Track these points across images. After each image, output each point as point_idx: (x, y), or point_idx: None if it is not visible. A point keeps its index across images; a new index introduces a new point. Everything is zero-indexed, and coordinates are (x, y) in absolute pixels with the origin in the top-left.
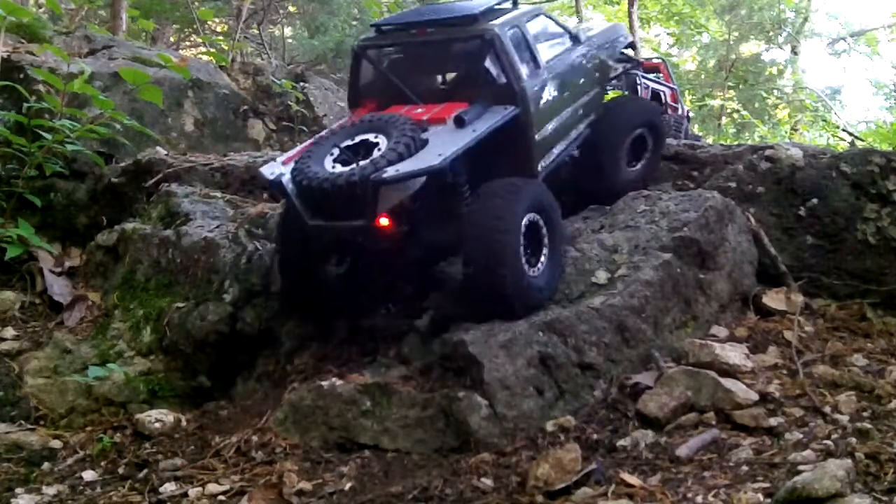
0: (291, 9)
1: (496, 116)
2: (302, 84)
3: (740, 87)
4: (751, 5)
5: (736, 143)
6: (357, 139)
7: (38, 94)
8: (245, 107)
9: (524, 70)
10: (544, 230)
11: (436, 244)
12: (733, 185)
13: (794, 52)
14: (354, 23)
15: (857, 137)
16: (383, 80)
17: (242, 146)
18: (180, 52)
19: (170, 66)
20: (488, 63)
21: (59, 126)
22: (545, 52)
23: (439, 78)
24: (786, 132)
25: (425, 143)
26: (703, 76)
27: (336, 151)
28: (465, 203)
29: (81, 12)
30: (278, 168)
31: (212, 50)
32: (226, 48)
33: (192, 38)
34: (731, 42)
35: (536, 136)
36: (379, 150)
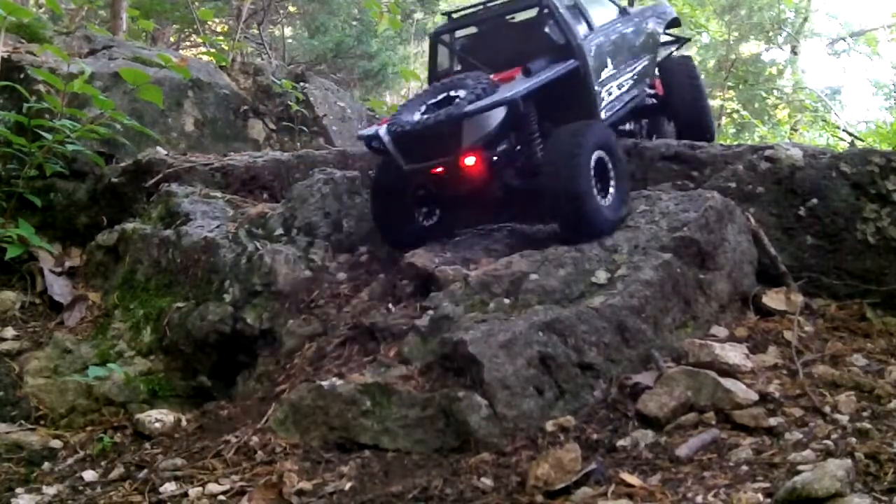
0: (291, 9)
1: (559, 67)
2: (302, 84)
3: (740, 87)
4: (751, 5)
5: (736, 143)
6: (440, 97)
7: (39, 94)
8: (245, 107)
9: (580, 30)
10: (610, 167)
11: (514, 188)
12: (733, 185)
13: (794, 52)
14: (354, 23)
15: (857, 137)
16: (458, 60)
17: (242, 146)
18: (180, 52)
19: (170, 66)
20: (547, 26)
21: (60, 126)
22: (597, 19)
23: (507, 50)
24: (786, 132)
25: (498, 90)
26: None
27: (424, 107)
28: (539, 148)
29: (81, 12)
30: (374, 128)
31: (212, 50)
32: (226, 48)
33: (192, 38)
34: (731, 42)
35: (596, 87)
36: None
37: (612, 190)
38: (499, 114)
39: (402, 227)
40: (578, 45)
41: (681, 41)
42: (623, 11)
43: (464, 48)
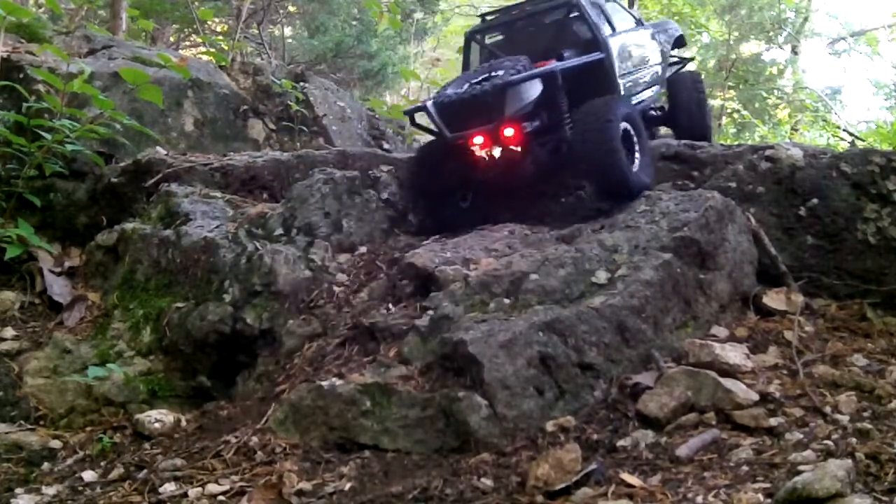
0: (291, 9)
1: (587, 56)
2: (302, 84)
3: (740, 87)
4: (751, 5)
5: (736, 143)
6: (482, 76)
7: (38, 94)
8: (245, 107)
9: (604, 29)
10: (634, 137)
11: (544, 166)
12: (733, 185)
13: (794, 52)
14: (354, 23)
15: (857, 137)
16: (490, 56)
17: (242, 146)
18: (180, 52)
19: (170, 66)
20: (575, 25)
21: (59, 126)
22: (618, 23)
23: (536, 46)
24: (786, 132)
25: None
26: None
27: (467, 84)
28: (568, 127)
29: (81, 12)
30: (420, 103)
31: (212, 50)
32: (226, 48)
33: (192, 38)
34: (731, 42)
35: (617, 80)
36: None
37: (637, 159)
38: (536, 90)
39: (442, 205)
40: (604, 39)
41: (684, 61)
42: (639, 22)
43: (495, 45)
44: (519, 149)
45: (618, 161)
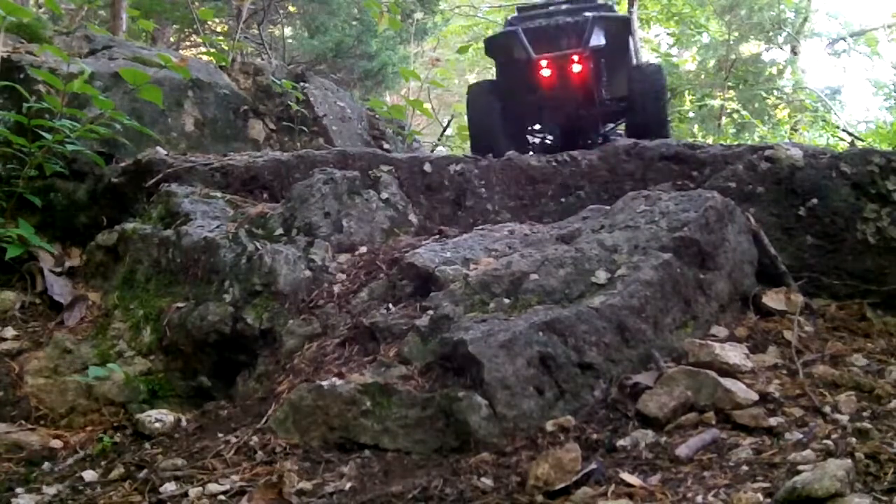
0: (291, 9)
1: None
2: (302, 84)
3: (740, 87)
4: (751, 5)
5: (736, 143)
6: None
7: (38, 94)
8: (245, 107)
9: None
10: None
11: (576, 119)
12: (733, 185)
13: (794, 52)
14: (354, 23)
15: (857, 137)
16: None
17: (242, 146)
18: (180, 52)
19: (170, 66)
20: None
21: (59, 126)
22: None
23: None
24: (786, 132)
25: None
26: (703, 76)
27: (543, 21)
28: (603, 89)
29: (81, 12)
30: (502, 31)
31: (212, 50)
32: (226, 48)
33: (192, 38)
34: (731, 42)
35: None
36: None
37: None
38: (602, 38)
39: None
40: (632, 31)
41: None
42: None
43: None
44: (586, 80)
45: (665, 131)
